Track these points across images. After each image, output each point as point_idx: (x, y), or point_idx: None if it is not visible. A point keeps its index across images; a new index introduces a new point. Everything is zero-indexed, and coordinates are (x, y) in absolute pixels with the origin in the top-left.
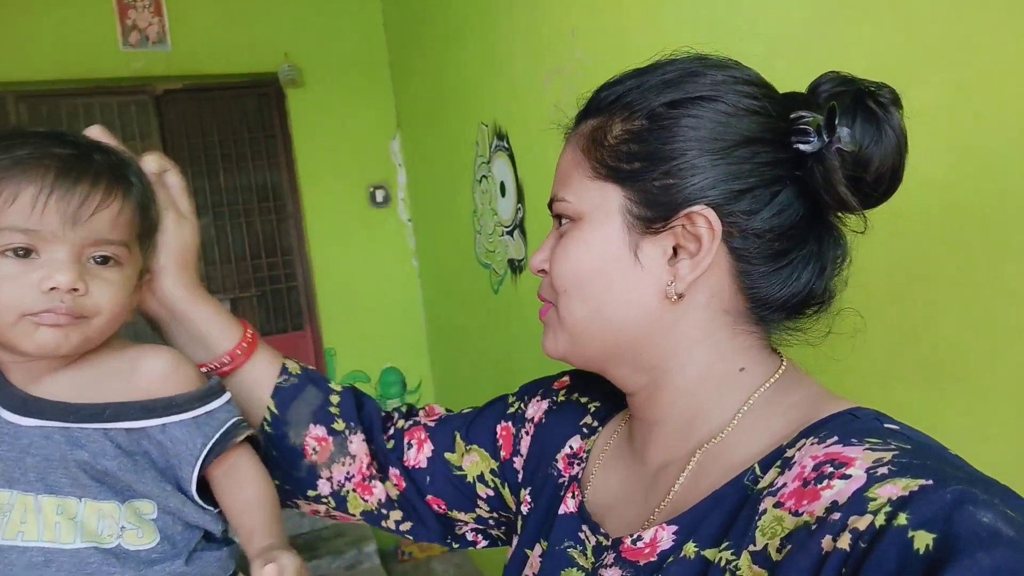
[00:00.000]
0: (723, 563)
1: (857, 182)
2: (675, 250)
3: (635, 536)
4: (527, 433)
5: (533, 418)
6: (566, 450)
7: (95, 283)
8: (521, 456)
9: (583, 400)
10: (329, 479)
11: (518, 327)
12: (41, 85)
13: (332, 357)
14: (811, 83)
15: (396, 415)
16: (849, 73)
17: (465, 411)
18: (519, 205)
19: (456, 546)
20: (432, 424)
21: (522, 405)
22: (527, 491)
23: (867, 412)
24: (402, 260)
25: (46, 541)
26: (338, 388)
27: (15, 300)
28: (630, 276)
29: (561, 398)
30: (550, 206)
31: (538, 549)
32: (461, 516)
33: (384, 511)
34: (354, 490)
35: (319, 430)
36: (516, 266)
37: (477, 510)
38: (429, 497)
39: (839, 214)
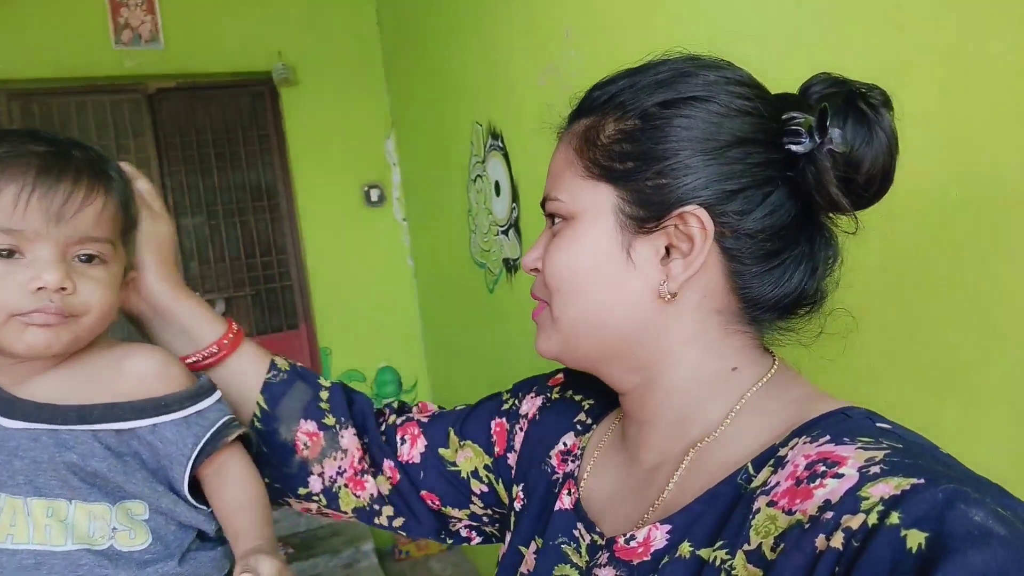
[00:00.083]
0: (718, 562)
1: (848, 183)
2: (667, 250)
3: (628, 536)
4: (521, 429)
5: (527, 414)
6: (559, 447)
7: (82, 281)
8: (515, 452)
9: (577, 397)
10: (320, 475)
11: (513, 326)
12: (33, 83)
13: (327, 356)
14: (802, 84)
15: (388, 411)
16: (840, 74)
17: (459, 408)
18: (514, 204)
19: (450, 542)
20: (425, 420)
21: (516, 402)
22: (520, 488)
23: (859, 411)
24: (397, 259)
25: (36, 543)
26: (327, 384)
27: (2, 301)
28: (623, 275)
29: (555, 395)
30: (543, 205)
31: (533, 546)
32: (455, 512)
33: (376, 507)
34: (346, 485)
35: (310, 425)
36: (511, 265)
37: (471, 506)
38: (423, 493)
39: (830, 215)
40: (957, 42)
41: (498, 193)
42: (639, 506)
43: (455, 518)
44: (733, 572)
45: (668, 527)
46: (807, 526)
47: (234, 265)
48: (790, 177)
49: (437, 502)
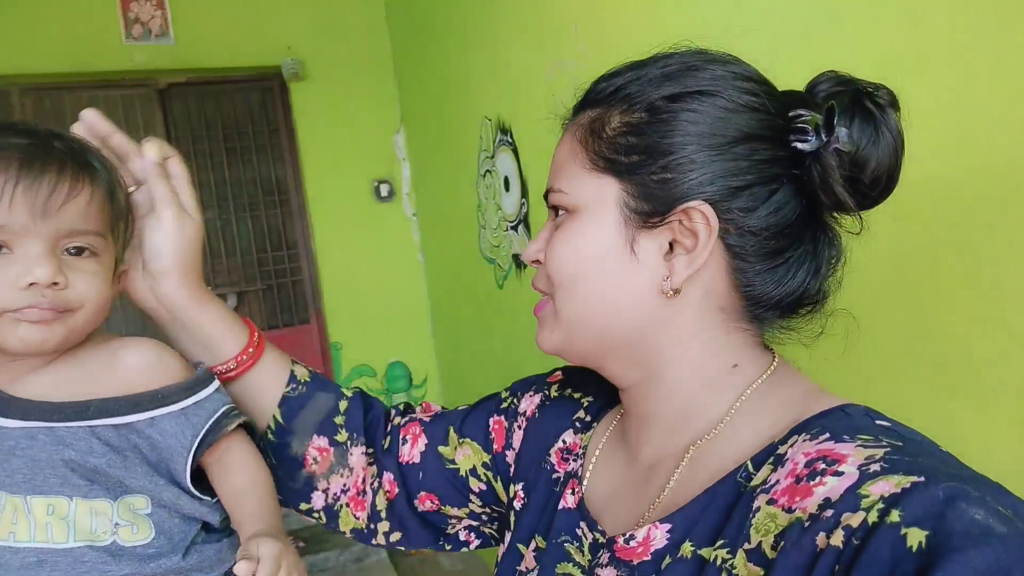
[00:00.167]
0: (719, 561)
1: (854, 183)
2: (671, 245)
3: (627, 535)
4: (519, 427)
5: (525, 412)
6: (559, 445)
7: (75, 275)
8: (513, 450)
9: (576, 395)
10: (325, 491)
11: (523, 321)
12: (45, 78)
13: (338, 351)
14: (809, 82)
15: (393, 412)
16: (847, 73)
17: (460, 408)
18: (523, 200)
19: (448, 548)
20: (427, 419)
21: (515, 400)
22: (519, 486)
23: (858, 409)
24: (407, 254)
25: (38, 542)
26: (348, 394)
27: None
28: (626, 270)
29: (554, 393)
30: (546, 197)
31: (533, 544)
32: (454, 512)
33: (373, 526)
34: (347, 504)
35: (322, 440)
36: (520, 261)
37: (470, 505)
38: (422, 494)
39: (834, 214)
40: (972, 36)
41: (507, 188)
42: (639, 504)
43: (454, 518)
44: (734, 571)
45: (668, 526)
46: (807, 524)
47: (245, 260)
48: (796, 175)
49: (436, 502)
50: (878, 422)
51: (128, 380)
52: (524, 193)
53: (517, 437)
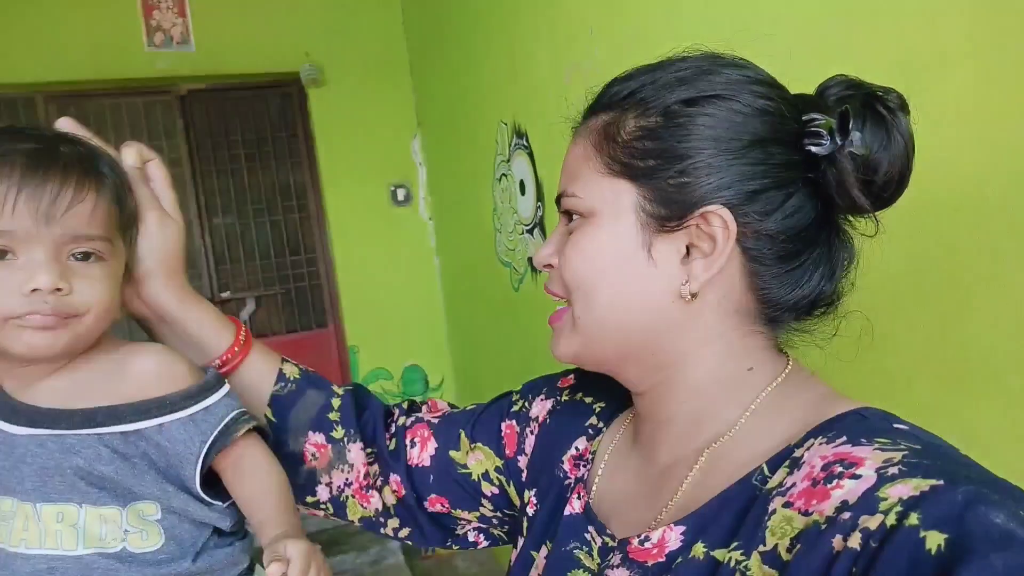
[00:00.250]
0: (733, 563)
1: (867, 185)
2: (688, 249)
3: (642, 537)
4: (531, 432)
5: (537, 417)
6: (572, 452)
7: (79, 281)
8: (525, 455)
9: (588, 400)
10: (328, 484)
11: (538, 325)
12: (69, 85)
13: (355, 355)
14: (819, 86)
15: (397, 411)
16: (856, 77)
17: (469, 408)
18: (539, 203)
19: (456, 548)
20: (436, 421)
21: (526, 404)
22: (532, 492)
23: (875, 412)
24: (423, 258)
25: (48, 549)
26: (339, 391)
27: None
28: (643, 275)
29: (565, 397)
30: (558, 201)
31: (543, 550)
32: (464, 515)
33: (382, 519)
34: (352, 496)
35: (318, 437)
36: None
37: (481, 509)
38: (432, 497)
39: (848, 216)
40: (991, 35)
41: (523, 192)
42: (652, 507)
43: (464, 521)
44: (748, 573)
45: (682, 528)
46: (824, 527)
47: (264, 264)
48: (810, 179)
49: (446, 505)
50: (895, 425)
51: (137, 386)
52: (540, 197)
53: (529, 443)
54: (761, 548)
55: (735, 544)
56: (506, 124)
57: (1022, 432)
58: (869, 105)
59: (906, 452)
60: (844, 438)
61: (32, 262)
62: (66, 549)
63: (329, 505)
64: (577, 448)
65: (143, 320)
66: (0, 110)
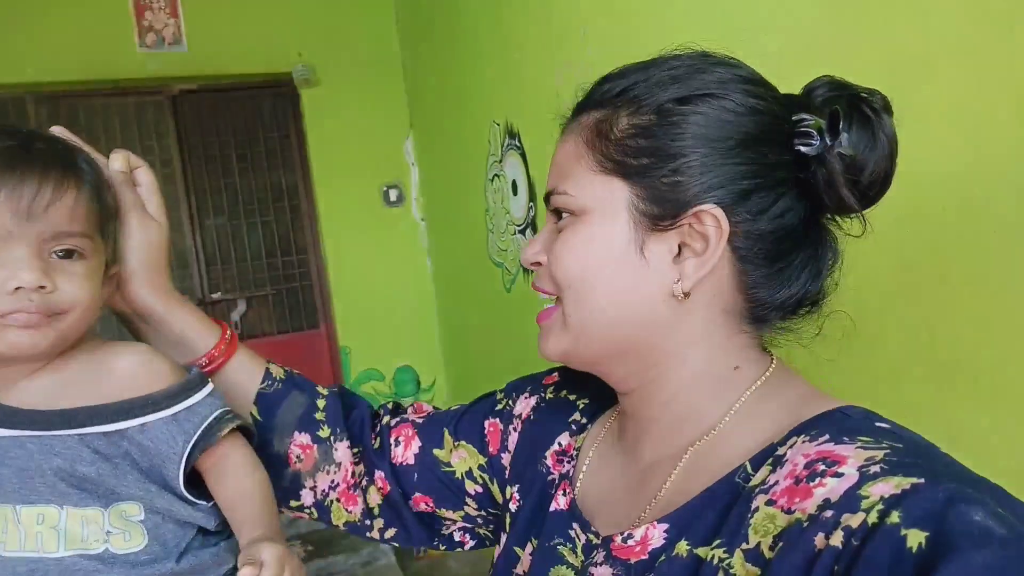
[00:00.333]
0: (716, 561)
1: (853, 185)
2: (680, 248)
3: (625, 534)
4: (515, 429)
5: (521, 415)
6: (555, 447)
7: (62, 278)
8: (509, 452)
9: (572, 397)
10: (313, 488)
11: (531, 325)
12: (60, 86)
13: (347, 356)
14: (805, 86)
15: (383, 412)
16: (841, 78)
17: (453, 408)
18: (531, 203)
19: (443, 548)
20: (420, 421)
21: (510, 402)
22: (515, 488)
23: (857, 410)
24: (415, 259)
25: (29, 551)
26: (324, 392)
27: None
28: (636, 274)
29: (550, 395)
30: (547, 199)
31: (528, 547)
32: (449, 514)
33: (367, 521)
34: (338, 500)
35: (304, 437)
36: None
37: (465, 508)
38: (416, 496)
39: (832, 216)
40: (981, 35)
41: (515, 192)
42: (636, 504)
43: (449, 520)
44: (731, 571)
45: (665, 526)
46: (806, 525)
47: (255, 265)
48: (799, 179)
49: (431, 504)
50: (877, 424)
51: (119, 386)
52: (532, 197)
53: (512, 440)
54: (744, 546)
55: (718, 542)
56: (498, 124)
57: (1008, 430)
58: (855, 106)
59: (888, 451)
60: (827, 436)
61: (14, 260)
62: (47, 551)
63: (313, 510)
64: (560, 444)
65: (126, 319)
66: None
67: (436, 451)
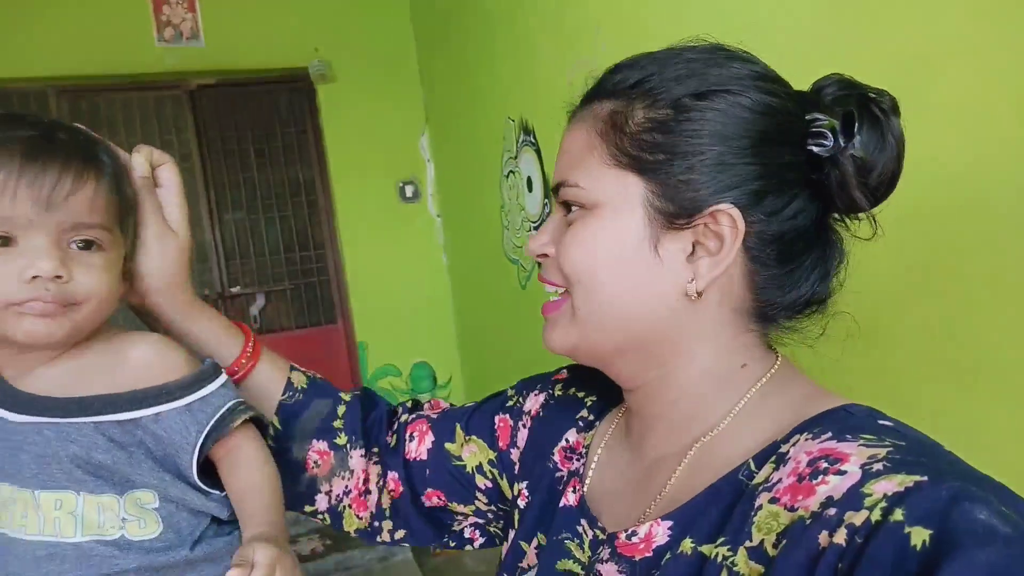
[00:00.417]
0: (720, 559)
1: (863, 186)
2: (693, 247)
3: (629, 531)
4: (524, 426)
5: (530, 411)
6: (562, 444)
7: (80, 269)
8: (518, 448)
9: (580, 394)
10: (328, 493)
11: None
12: (80, 80)
13: (364, 351)
14: (814, 84)
15: (401, 410)
16: (850, 77)
17: (468, 405)
18: (546, 200)
19: (453, 545)
20: (435, 416)
21: (520, 399)
22: (524, 485)
23: (860, 408)
24: (431, 255)
25: (47, 535)
26: (346, 397)
27: None
28: (649, 271)
29: (558, 392)
30: (555, 190)
31: (535, 542)
32: (460, 508)
33: (376, 523)
34: (350, 506)
35: (322, 444)
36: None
37: (476, 502)
38: (429, 491)
39: (842, 217)
40: (991, 33)
41: (530, 189)
42: (641, 501)
43: (460, 515)
44: (735, 568)
45: (670, 523)
46: (809, 522)
47: (273, 260)
48: (812, 180)
49: (442, 498)
50: (881, 422)
51: (134, 376)
52: (547, 194)
53: (522, 436)
54: (748, 543)
55: (722, 539)
56: (513, 121)
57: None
58: (865, 107)
59: (891, 448)
60: (829, 434)
61: (33, 249)
62: (65, 536)
63: (327, 515)
64: (567, 440)
65: (141, 314)
66: (12, 104)
67: (448, 445)
